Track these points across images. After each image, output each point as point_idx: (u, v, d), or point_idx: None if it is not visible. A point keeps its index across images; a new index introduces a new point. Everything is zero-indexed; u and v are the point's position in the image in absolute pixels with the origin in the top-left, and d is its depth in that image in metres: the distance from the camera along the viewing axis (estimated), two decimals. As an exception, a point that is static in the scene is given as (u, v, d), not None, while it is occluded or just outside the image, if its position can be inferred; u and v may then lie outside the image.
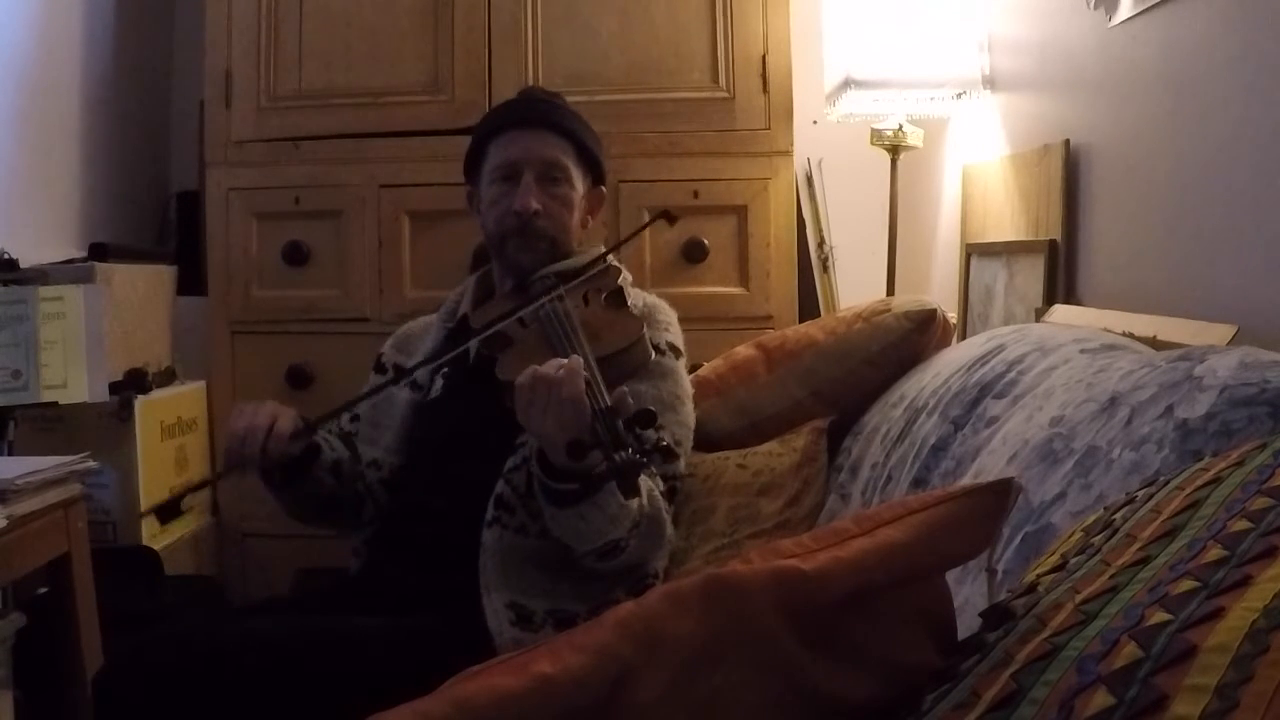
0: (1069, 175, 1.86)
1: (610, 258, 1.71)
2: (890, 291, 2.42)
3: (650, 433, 1.29)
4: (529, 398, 1.32)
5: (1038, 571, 0.82)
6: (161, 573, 2.11)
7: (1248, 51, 1.38)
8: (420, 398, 1.73)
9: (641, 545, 1.49)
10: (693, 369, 1.85)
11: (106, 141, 2.68)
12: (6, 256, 2.06)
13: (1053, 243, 1.88)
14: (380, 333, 2.04)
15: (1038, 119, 2.06)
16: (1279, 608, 0.57)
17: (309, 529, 1.79)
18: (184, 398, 2.38)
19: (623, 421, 1.27)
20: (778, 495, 1.74)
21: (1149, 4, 1.59)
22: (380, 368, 1.82)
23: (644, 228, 1.89)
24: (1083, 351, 1.35)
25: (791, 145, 2.40)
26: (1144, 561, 0.69)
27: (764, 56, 2.39)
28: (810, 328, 1.99)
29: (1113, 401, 1.11)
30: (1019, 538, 1.06)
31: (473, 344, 1.61)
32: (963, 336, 2.10)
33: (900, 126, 2.36)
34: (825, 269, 2.75)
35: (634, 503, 1.39)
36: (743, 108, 2.39)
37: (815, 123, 2.57)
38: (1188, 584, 0.62)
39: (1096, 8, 1.76)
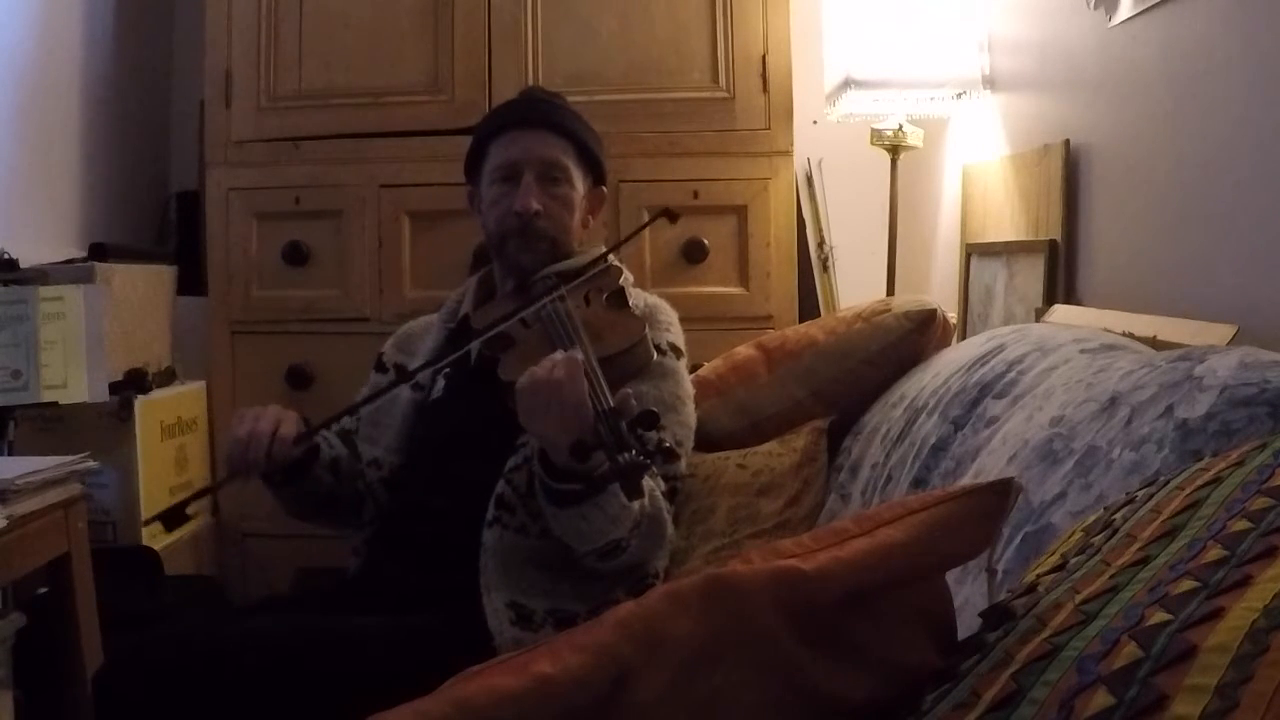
0: (1069, 175, 1.86)
1: (611, 258, 1.71)
2: (890, 291, 2.42)
3: (652, 434, 1.29)
4: (531, 400, 1.32)
5: (1038, 571, 0.82)
6: (161, 573, 2.10)
7: (1248, 51, 1.38)
8: (422, 398, 1.73)
9: (642, 545, 1.49)
10: (693, 369, 1.85)
11: (106, 141, 2.67)
12: (6, 256, 2.06)
13: (1053, 243, 1.88)
14: (380, 333, 2.04)
15: (1038, 119, 2.06)
16: (1279, 608, 0.57)
17: (309, 529, 1.79)
18: (184, 398, 2.38)
19: (626, 423, 1.27)
20: (778, 495, 1.74)
21: (1149, 4, 1.59)
22: (381, 367, 1.82)
23: (645, 226, 1.89)
24: (1083, 351, 1.35)
25: (791, 145, 2.40)
26: (1144, 561, 0.69)
27: (764, 56, 2.39)
28: (810, 328, 1.99)
29: (1113, 401, 1.11)
30: (1019, 538, 1.06)
31: (474, 345, 1.61)
32: (963, 336, 2.10)
33: (900, 126, 2.36)
34: (825, 269, 2.75)
35: (635, 503, 1.39)
36: (743, 108, 2.39)
37: (815, 123, 2.57)
38: (1188, 584, 0.62)
39: (1096, 8, 1.76)
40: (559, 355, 1.35)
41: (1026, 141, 2.07)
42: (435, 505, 1.59)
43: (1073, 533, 0.88)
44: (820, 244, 2.76)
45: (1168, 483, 0.81)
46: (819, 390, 1.88)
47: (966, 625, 0.79)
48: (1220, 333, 1.33)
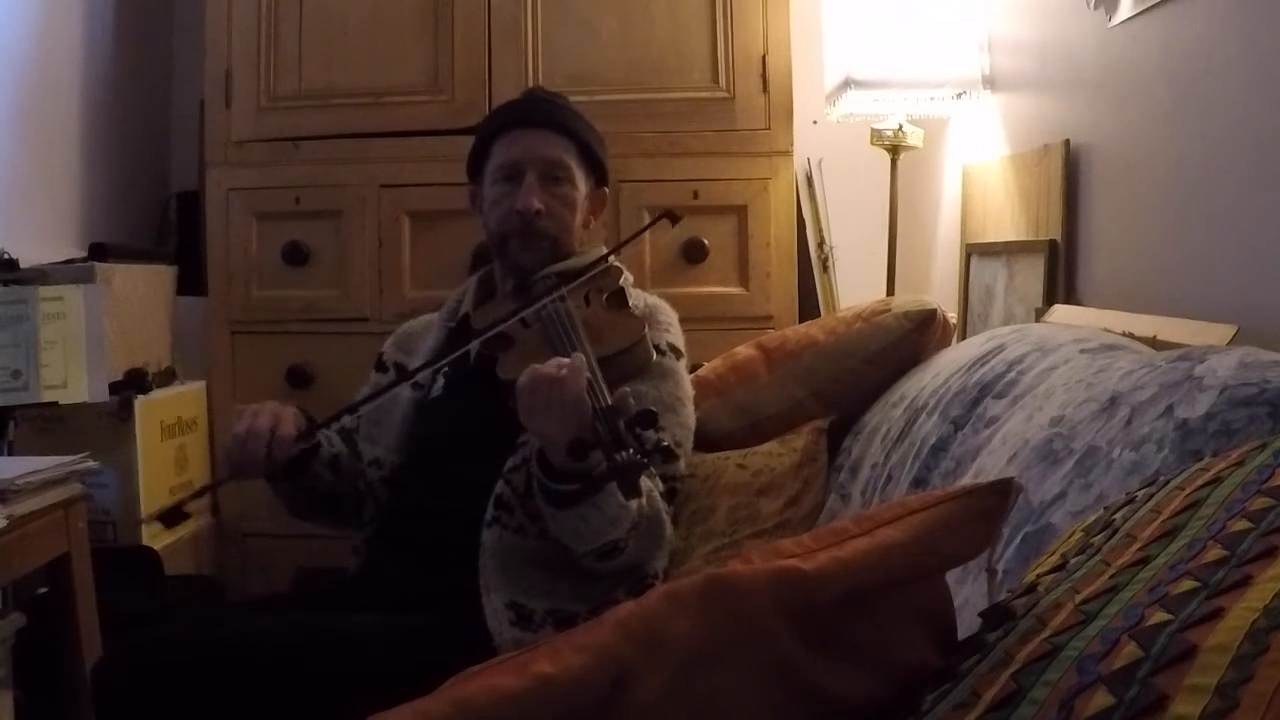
0: (1069, 175, 1.86)
1: (612, 258, 1.71)
2: (890, 291, 2.42)
3: (651, 433, 1.29)
4: (531, 397, 1.32)
5: (1038, 571, 0.82)
6: (161, 573, 2.11)
7: (1248, 51, 1.38)
8: (422, 397, 1.73)
9: (641, 546, 1.49)
10: (693, 369, 1.85)
11: (106, 141, 2.68)
12: (6, 256, 2.06)
13: (1053, 243, 1.88)
14: (380, 332, 2.04)
15: (1037, 119, 2.06)
16: (1279, 608, 0.57)
17: (309, 528, 1.79)
18: (184, 398, 2.38)
19: (624, 422, 1.27)
20: (778, 495, 1.74)
21: (1149, 4, 1.59)
22: (381, 366, 1.82)
23: (647, 228, 1.89)
24: (1083, 351, 1.35)
25: (791, 145, 2.40)
26: (1144, 561, 0.69)
27: (764, 56, 2.39)
28: (810, 328, 1.99)
29: (1113, 401, 1.11)
30: (1019, 538, 1.06)
31: (474, 344, 1.61)
32: (963, 336, 2.10)
33: (900, 126, 2.36)
34: (825, 269, 2.75)
35: (633, 503, 1.39)
36: (743, 108, 2.39)
37: (815, 123, 2.57)
38: (1188, 584, 0.62)
39: (1096, 8, 1.76)
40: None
41: (1026, 141, 2.07)
42: (435, 505, 1.59)
43: (1073, 533, 0.88)
44: (820, 244, 2.76)
45: (1168, 483, 0.81)
46: (819, 390, 1.88)
47: (966, 625, 0.79)
48: (1220, 333, 1.33)
